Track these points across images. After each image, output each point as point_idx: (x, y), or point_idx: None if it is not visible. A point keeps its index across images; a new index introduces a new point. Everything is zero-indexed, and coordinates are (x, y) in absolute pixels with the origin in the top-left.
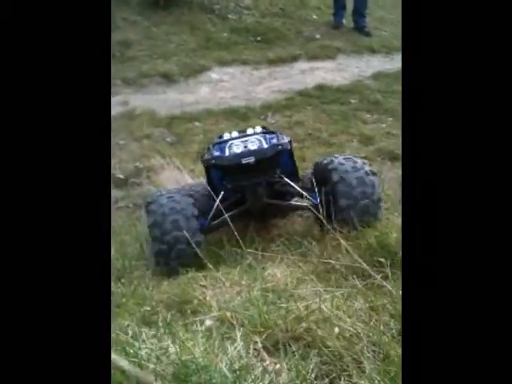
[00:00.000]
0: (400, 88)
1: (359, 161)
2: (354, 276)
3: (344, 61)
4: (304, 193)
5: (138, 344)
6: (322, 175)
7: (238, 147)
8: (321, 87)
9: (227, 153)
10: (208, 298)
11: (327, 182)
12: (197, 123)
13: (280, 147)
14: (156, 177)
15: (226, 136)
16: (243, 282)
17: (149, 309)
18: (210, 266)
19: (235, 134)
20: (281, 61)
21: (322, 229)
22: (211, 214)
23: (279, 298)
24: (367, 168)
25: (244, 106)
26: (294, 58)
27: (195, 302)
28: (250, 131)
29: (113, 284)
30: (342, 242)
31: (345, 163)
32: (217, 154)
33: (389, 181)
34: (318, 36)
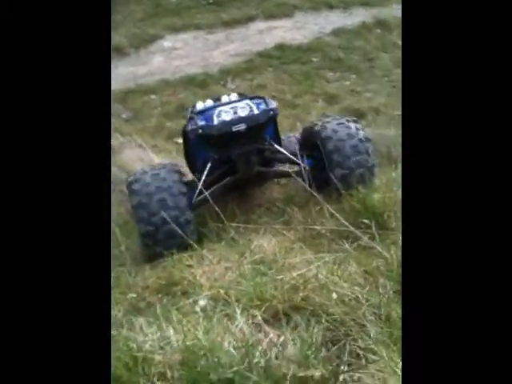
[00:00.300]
0: (360, 44)
1: (353, 126)
2: (343, 240)
3: (302, 18)
4: (295, 159)
5: (139, 337)
6: (314, 141)
7: (227, 114)
8: (280, 47)
9: (216, 121)
10: (198, 277)
11: (320, 148)
12: (153, 96)
13: (271, 112)
14: (118, 156)
15: (200, 106)
16: (230, 257)
17: (135, 295)
18: (194, 245)
19: (210, 102)
20: (236, 22)
21: (306, 194)
22: (197, 190)
23: (270, 269)
24: (361, 134)
25: (201, 73)
26: (250, 19)
27: (185, 282)
28: (224, 99)
29: None
30: (327, 206)
31: (339, 130)
32: (202, 123)
33: None
34: None
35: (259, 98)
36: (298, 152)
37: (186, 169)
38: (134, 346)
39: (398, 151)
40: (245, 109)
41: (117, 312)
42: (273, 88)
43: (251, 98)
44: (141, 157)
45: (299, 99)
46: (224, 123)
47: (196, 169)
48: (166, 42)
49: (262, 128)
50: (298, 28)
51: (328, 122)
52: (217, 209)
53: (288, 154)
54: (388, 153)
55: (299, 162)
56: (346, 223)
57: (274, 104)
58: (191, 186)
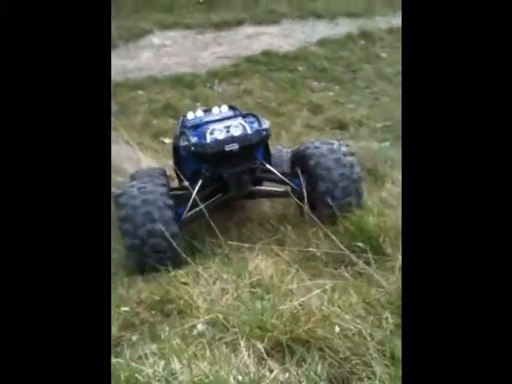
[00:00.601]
0: (345, 54)
1: (335, 143)
2: (339, 264)
3: (289, 26)
4: (285, 179)
5: (145, 369)
6: (301, 162)
7: (220, 133)
8: (267, 53)
9: (208, 139)
10: (195, 298)
11: (306, 168)
12: (140, 92)
13: (264, 133)
14: None
15: (190, 116)
16: (226, 277)
17: (127, 309)
18: (190, 262)
19: (200, 112)
20: (225, 25)
21: (301, 214)
22: (188, 205)
23: (267, 293)
24: (344, 149)
25: (189, 73)
26: (239, 22)
27: (180, 302)
28: (215, 110)
29: None
30: (323, 228)
31: (320, 146)
32: (195, 139)
33: None
34: None
35: (252, 115)
36: (287, 170)
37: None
38: (140, 377)
39: (383, 167)
40: (238, 128)
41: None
42: (258, 94)
43: (244, 116)
44: (128, 155)
45: (284, 107)
46: (217, 142)
47: (186, 180)
48: (156, 39)
49: (255, 148)
50: (284, 36)
51: (312, 142)
52: (213, 224)
53: (278, 174)
54: (374, 168)
55: (290, 183)
56: (343, 247)
57: (266, 124)
58: (180, 199)
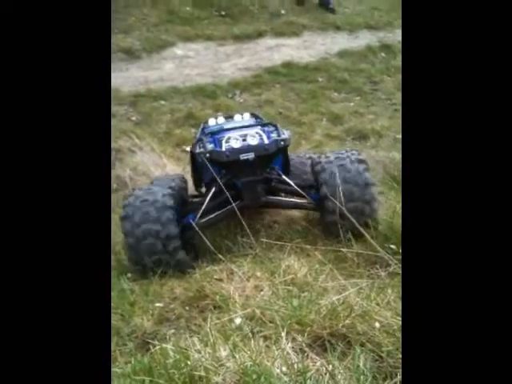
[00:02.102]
0: (365, 66)
1: (344, 152)
2: (373, 266)
3: (309, 38)
4: (300, 191)
5: (196, 355)
6: (313, 172)
7: (236, 141)
8: (288, 65)
9: (224, 147)
10: (231, 293)
11: (315, 177)
12: (163, 102)
13: (282, 143)
14: (130, 159)
15: (212, 122)
16: (258, 274)
17: (162, 305)
18: (222, 258)
19: (221, 119)
20: (246, 37)
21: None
22: (200, 211)
23: (302, 292)
24: (353, 157)
25: (211, 84)
26: (260, 35)
27: (216, 297)
28: (237, 118)
29: (119, 279)
30: (359, 228)
31: (329, 155)
32: (211, 147)
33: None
34: (282, 12)
35: (272, 125)
36: (306, 181)
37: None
38: (188, 362)
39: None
40: (254, 137)
41: (146, 321)
42: (279, 105)
43: (263, 125)
44: (155, 162)
45: (305, 117)
46: (232, 150)
47: (201, 186)
48: (178, 50)
49: (271, 158)
50: (305, 47)
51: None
52: (243, 223)
53: (294, 185)
54: (393, 176)
55: (303, 193)
56: (378, 248)
57: (285, 134)
58: (194, 204)
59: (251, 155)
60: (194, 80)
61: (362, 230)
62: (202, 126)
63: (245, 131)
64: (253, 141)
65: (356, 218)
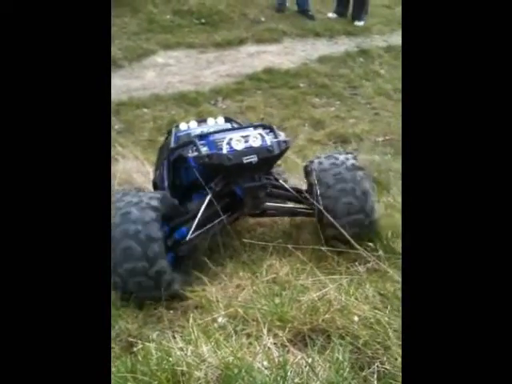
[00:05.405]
0: (344, 71)
1: (341, 157)
2: (351, 263)
3: (290, 44)
4: (297, 195)
5: (178, 352)
6: (307, 178)
7: (238, 143)
8: (269, 71)
9: (225, 149)
10: (213, 293)
11: (310, 185)
12: (145, 109)
13: (284, 144)
14: (113, 167)
15: (183, 127)
16: (240, 274)
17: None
18: (206, 260)
19: (194, 124)
20: (227, 44)
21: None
22: (194, 224)
23: (283, 290)
24: (349, 163)
25: (193, 91)
26: (241, 42)
27: (197, 298)
28: (210, 122)
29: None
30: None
31: (323, 161)
32: (205, 149)
33: None
34: (262, 19)
35: (267, 127)
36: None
37: None
38: (170, 359)
39: (387, 176)
40: (257, 139)
41: (130, 324)
42: (261, 111)
43: (256, 127)
44: (138, 169)
45: (287, 123)
46: (235, 153)
47: (183, 195)
48: (159, 58)
49: (274, 161)
50: (286, 53)
51: (318, 157)
52: (228, 227)
53: (292, 191)
54: (378, 177)
55: (301, 198)
56: (357, 245)
57: (282, 135)
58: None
59: (254, 158)
60: (176, 87)
61: (353, 242)
62: (173, 132)
63: (245, 132)
64: (255, 142)
65: (354, 232)
